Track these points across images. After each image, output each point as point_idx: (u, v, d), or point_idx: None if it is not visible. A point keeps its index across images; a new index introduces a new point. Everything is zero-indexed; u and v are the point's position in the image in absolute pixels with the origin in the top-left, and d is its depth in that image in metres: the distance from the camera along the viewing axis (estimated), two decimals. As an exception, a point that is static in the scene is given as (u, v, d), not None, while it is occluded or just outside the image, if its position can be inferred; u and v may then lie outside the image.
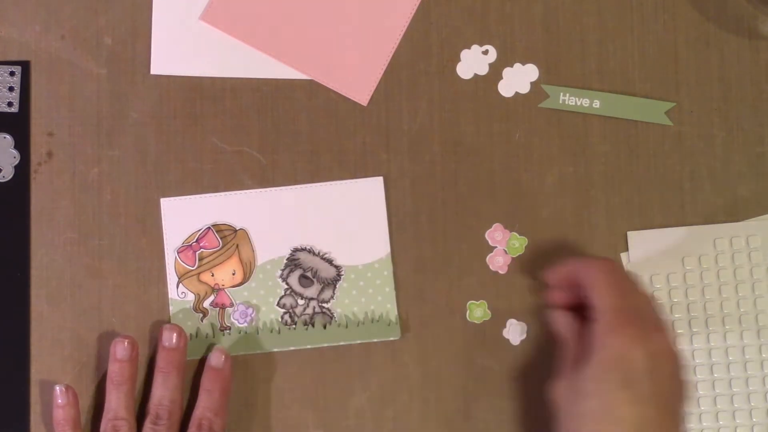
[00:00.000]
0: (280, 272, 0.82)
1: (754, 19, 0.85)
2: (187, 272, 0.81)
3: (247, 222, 0.82)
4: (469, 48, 0.84)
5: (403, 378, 0.82)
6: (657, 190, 0.83)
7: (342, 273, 0.82)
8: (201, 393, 0.78)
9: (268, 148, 0.83)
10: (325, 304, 0.81)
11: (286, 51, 0.83)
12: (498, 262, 0.82)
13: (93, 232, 0.82)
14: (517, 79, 0.83)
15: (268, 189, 0.82)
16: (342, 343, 0.81)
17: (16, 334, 0.80)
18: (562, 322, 0.77)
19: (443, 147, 0.83)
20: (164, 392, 0.77)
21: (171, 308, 0.81)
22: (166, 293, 0.81)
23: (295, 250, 0.82)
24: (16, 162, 0.81)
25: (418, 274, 0.82)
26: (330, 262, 0.82)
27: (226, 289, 0.81)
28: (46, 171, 0.82)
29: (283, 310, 0.81)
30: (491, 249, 0.83)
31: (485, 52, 0.84)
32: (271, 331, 0.81)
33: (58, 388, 0.77)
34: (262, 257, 0.82)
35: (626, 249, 0.83)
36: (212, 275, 0.81)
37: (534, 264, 0.82)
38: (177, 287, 0.81)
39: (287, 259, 0.82)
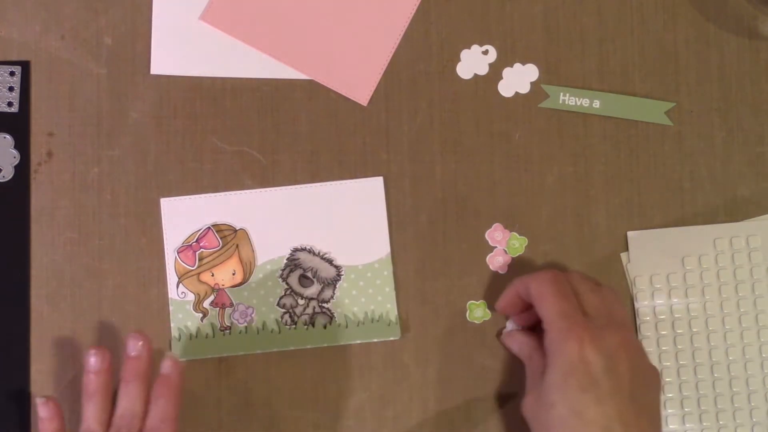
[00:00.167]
0: (280, 272, 0.82)
1: (754, 19, 0.85)
2: (187, 272, 0.81)
3: (247, 222, 0.82)
4: (469, 48, 0.84)
5: (403, 378, 0.82)
6: (657, 190, 0.83)
7: (342, 273, 0.82)
8: (150, 400, 0.76)
9: (268, 148, 0.83)
10: (325, 304, 0.81)
11: (286, 51, 0.83)
12: (498, 262, 0.82)
13: (93, 232, 0.82)
14: (517, 79, 0.83)
15: (268, 189, 0.82)
16: (342, 343, 0.81)
17: (16, 334, 0.80)
18: (518, 341, 0.79)
19: (443, 147, 0.83)
20: (126, 403, 0.75)
21: (171, 308, 0.81)
22: (166, 293, 0.81)
23: (295, 250, 0.82)
24: (16, 162, 0.81)
25: (418, 274, 0.82)
26: (330, 262, 0.82)
27: (226, 289, 0.81)
28: (46, 171, 0.82)
29: (283, 310, 0.81)
30: (491, 249, 0.83)
31: (485, 52, 0.84)
32: (271, 331, 0.81)
33: (39, 401, 0.76)
34: (262, 257, 0.82)
35: (626, 249, 0.83)
36: (212, 275, 0.81)
37: (534, 264, 0.82)
38: (177, 287, 0.81)
39: (287, 259, 0.82)
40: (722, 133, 0.84)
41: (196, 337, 0.81)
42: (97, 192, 0.82)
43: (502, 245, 0.83)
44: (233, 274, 0.81)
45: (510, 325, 0.81)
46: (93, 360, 0.76)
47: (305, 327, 0.81)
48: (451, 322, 0.82)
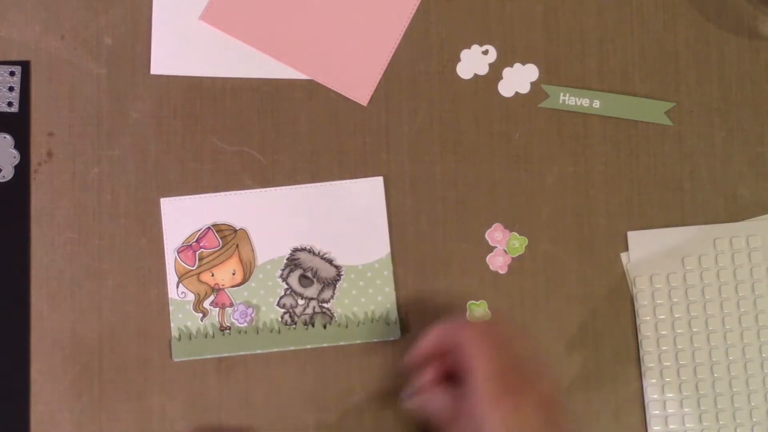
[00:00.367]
0: (280, 272, 0.81)
1: (754, 19, 0.85)
2: (187, 272, 0.81)
3: (247, 222, 0.82)
4: (469, 48, 0.84)
5: (403, 378, 0.81)
6: (657, 190, 0.83)
7: (342, 273, 0.82)
8: None
9: (268, 148, 0.83)
10: (325, 304, 0.81)
11: (286, 51, 0.83)
12: (498, 262, 0.82)
13: (93, 232, 0.82)
14: (517, 79, 0.83)
15: (268, 189, 0.82)
16: (342, 343, 0.81)
17: (16, 334, 0.80)
18: (437, 402, 0.71)
19: (443, 147, 0.83)
20: None
21: (171, 308, 0.81)
22: (166, 293, 0.81)
23: (295, 250, 0.82)
24: (16, 162, 0.81)
25: (418, 274, 0.82)
26: (330, 262, 0.82)
27: (226, 289, 0.81)
28: (46, 171, 0.82)
29: (283, 310, 0.81)
30: (491, 249, 0.83)
31: (485, 52, 0.84)
32: (271, 331, 0.81)
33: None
34: (262, 257, 0.82)
35: (626, 249, 0.83)
36: (212, 275, 0.81)
37: (534, 264, 0.82)
38: (177, 287, 0.81)
39: (287, 259, 0.82)
40: (722, 133, 0.84)
41: (196, 337, 0.81)
42: (97, 192, 0.82)
43: (502, 245, 0.83)
44: (233, 274, 0.81)
45: (412, 390, 0.74)
46: None
47: (305, 327, 0.81)
48: (451, 322, 0.82)
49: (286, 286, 0.81)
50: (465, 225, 0.83)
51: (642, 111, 0.83)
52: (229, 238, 0.81)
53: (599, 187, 0.83)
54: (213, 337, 0.81)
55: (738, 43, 0.84)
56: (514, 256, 0.83)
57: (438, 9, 0.84)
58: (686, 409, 0.81)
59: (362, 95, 0.83)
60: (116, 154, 0.82)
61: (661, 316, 0.82)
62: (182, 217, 0.82)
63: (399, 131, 0.83)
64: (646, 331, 0.82)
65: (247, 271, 0.81)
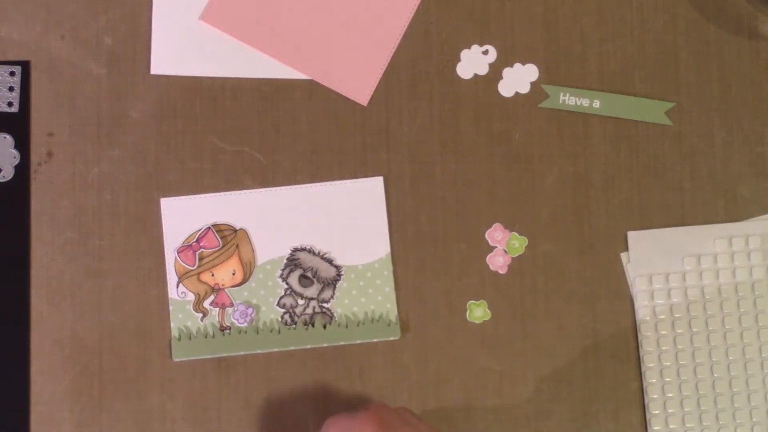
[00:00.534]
0: (280, 272, 0.81)
1: (754, 19, 0.85)
2: (187, 272, 0.81)
3: (247, 222, 0.82)
4: (469, 48, 0.84)
5: (403, 378, 0.82)
6: (657, 190, 0.83)
7: (342, 273, 0.82)
8: None
9: (268, 148, 0.83)
10: (325, 304, 0.81)
11: (286, 51, 0.83)
12: (498, 262, 0.82)
13: (93, 232, 0.82)
14: (517, 79, 0.83)
15: (268, 189, 0.82)
16: (342, 343, 0.81)
17: (16, 334, 0.80)
18: None
19: (443, 147, 0.83)
20: None
21: (171, 308, 0.81)
22: (166, 293, 0.81)
23: (295, 250, 0.82)
24: (16, 162, 0.81)
25: (418, 274, 0.82)
26: (330, 262, 0.82)
27: (226, 289, 0.81)
28: (46, 171, 0.82)
29: (283, 310, 0.81)
30: (491, 249, 0.83)
31: (485, 52, 0.84)
32: (271, 331, 0.81)
33: None
34: (262, 257, 0.82)
35: (626, 249, 0.83)
36: (212, 275, 0.81)
37: (534, 264, 0.82)
38: (177, 287, 0.81)
39: (287, 259, 0.82)
40: (722, 133, 0.84)
41: (196, 337, 0.81)
42: (97, 192, 0.82)
43: (502, 245, 0.83)
44: (233, 274, 0.81)
45: None
46: None
47: (305, 327, 0.81)
48: (451, 322, 0.82)
49: (286, 286, 0.81)
50: (465, 225, 0.83)
51: (642, 111, 0.83)
52: (229, 238, 0.81)
53: (599, 187, 0.83)
54: (213, 337, 0.81)
55: (738, 43, 0.84)
56: (514, 256, 0.83)
57: (438, 9, 0.84)
58: (686, 409, 0.81)
59: (362, 95, 0.83)
60: (116, 154, 0.82)
61: (661, 316, 0.82)
62: (182, 217, 0.82)
63: (399, 131, 0.83)
64: (646, 331, 0.82)
65: (247, 271, 0.81)
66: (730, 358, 0.82)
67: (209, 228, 0.81)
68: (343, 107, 0.83)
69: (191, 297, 0.81)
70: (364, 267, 0.82)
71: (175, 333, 0.81)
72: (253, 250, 0.82)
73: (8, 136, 0.81)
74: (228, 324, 0.81)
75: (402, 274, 0.82)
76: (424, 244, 0.82)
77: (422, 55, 0.83)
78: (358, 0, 0.83)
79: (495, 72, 0.83)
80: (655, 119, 0.83)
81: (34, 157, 0.82)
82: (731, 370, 0.81)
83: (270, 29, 0.83)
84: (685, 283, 0.82)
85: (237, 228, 0.82)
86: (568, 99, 0.83)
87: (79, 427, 0.80)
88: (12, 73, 0.82)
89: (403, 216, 0.82)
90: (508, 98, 0.83)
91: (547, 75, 0.84)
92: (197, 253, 0.81)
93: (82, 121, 0.82)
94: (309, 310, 0.81)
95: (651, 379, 0.81)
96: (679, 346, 0.82)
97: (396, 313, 0.82)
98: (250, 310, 0.81)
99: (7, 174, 0.81)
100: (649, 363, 0.81)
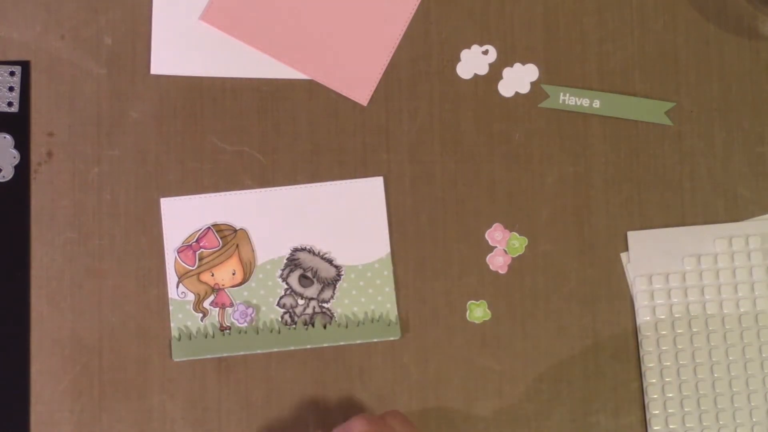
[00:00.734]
0: (280, 272, 0.81)
1: (754, 19, 0.85)
2: (187, 272, 0.81)
3: (247, 222, 0.82)
4: (469, 48, 0.84)
5: (403, 378, 0.82)
6: (657, 190, 0.83)
7: (342, 273, 0.82)
8: None
9: (268, 148, 0.83)
10: (325, 304, 0.81)
11: (286, 51, 0.83)
12: (498, 262, 0.82)
13: (93, 232, 0.82)
14: (517, 79, 0.83)
15: (268, 189, 0.82)
16: (342, 343, 0.81)
17: (16, 334, 0.80)
18: None
19: (443, 147, 0.83)
20: None
21: (171, 308, 0.81)
22: (166, 293, 0.81)
23: (295, 250, 0.82)
24: (16, 162, 0.81)
25: (418, 274, 0.82)
26: (330, 262, 0.82)
27: (226, 289, 0.81)
28: (46, 171, 0.82)
29: (283, 310, 0.81)
30: (491, 249, 0.83)
31: (485, 52, 0.84)
32: (271, 331, 0.81)
33: None
34: (262, 257, 0.82)
35: (626, 249, 0.83)
36: (212, 275, 0.81)
37: (534, 264, 0.82)
38: (177, 287, 0.81)
39: (287, 259, 0.82)
40: (722, 133, 0.84)
41: (196, 337, 0.81)
42: (97, 192, 0.82)
43: (502, 245, 0.83)
44: (233, 274, 0.81)
45: None
46: None
47: (305, 327, 0.81)
48: (451, 322, 0.82)
49: (286, 286, 0.81)
50: (465, 225, 0.83)
51: (642, 111, 0.83)
52: (229, 238, 0.81)
53: (599, 187, 0.83)
54: (213, 337, 0.81)
55: (738, 43, 0.84)
56: (514, 256, 0.83)
57: (438, 9, 0.84)
58: (686, 409, 0.81)
59: (362, 95, 0.83)
60: (116, 154, 0.82)
61: (661, 316, 0.82)
62: (182, 217, 0.82)
63: (399, 131, 0.83)
64: (646, 331, 0.82)
65: (247, 271, 0.81)
66: (730, 358, 0.82)
67: (209, 228, 0.81)
68: (343, 107, 0.83)
69: (191, 297, 0.81)
70: (364, 267, 0.82)
71: (175, 333, 0.81)
72: (253, 250, 0.82)
73: (8, 136, 0.81)
74: (228, 324, 0.81)
75: (402, 274, 0.82)
76: (424, 244, 0.82)
77: (422, 55, 0.83)
78: (358, 0, 0.83)
79: (495, 72, 0.83)
80: (655, 119, 0.83)
81: (34, 157, 0.82)
82: (731, 370, 0.81)
83: (270, 29, 0.83)
84: (685, 283, 0.82)
85: (237, 228, 0.82)
86: (568, 99, 0.83)
87: (79, 427, 0.80)
88: (12, 73, 0.82)
89: (403, 216, 0.82)
90: (508, 98, 0.83)
91: (547, 75, 0.84)
92: (197, 253, 0.81)
93: (82, 121, 0.82)
94: (309, 310, 0.81)
95: (651, 379, 0.81)
96: (679, 346, 0.82)
97: (396, 313, 0.82)
98: (250, 310, 0.81)
99: (7, 174, 0.81)
100: (649, 363, 0.81)
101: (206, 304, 0.81)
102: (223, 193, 0.82)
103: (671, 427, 0.81)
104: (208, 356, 0.81)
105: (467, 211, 0.83)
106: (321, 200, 0.82)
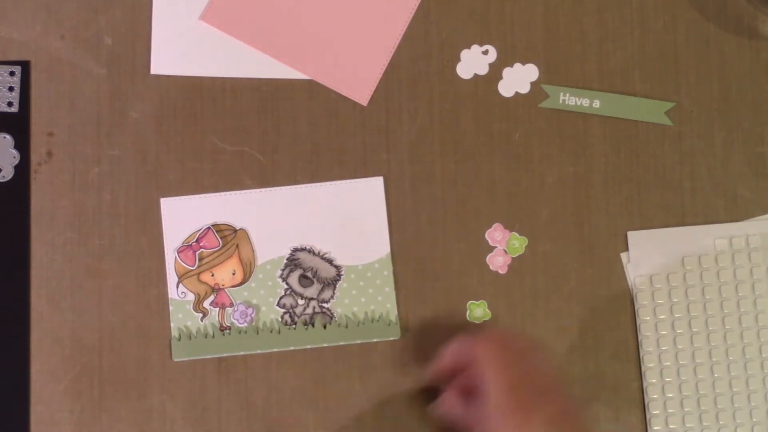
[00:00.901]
0: (280, 272, 0.82)
1: (754, 19, 0.85)
2: (187, 272, 0.81)
3: (247, 222, 0.82)
4: (469, 48, 0.84)
5: (403, 378, 0.82)
6: (657, 190, 0.83)
7: (342, 273, 0.82)
8: None
9: (268, 148, 0.83)
10: (325, 304, 0.81)
11: (286, 51, 0.83)
12: (498, 262, 0.82)
13: (93, 232, 0.82)
14: (517, 79, 0.83)
15: (268, 189, 0.82)
16: (342, 343, 0.81)
17: (16, 334, 0.80)
18: (456, 414, 0.74)
19: (443, 147, 0.83)
20: None
21: (171, 308, 0.81)
22: (166, 293, 0.81)
23: (295, 250, 0.82)
24: (16, 162, 0.81)
25: (418, 274, 0.82)
26: (330, 262, 0.82)
27: (226, 289, 0.81)
28: (46, 171, 0.82)
29: (283, 310, 0.81)
30: (491, 249, 0.83)
31: (485, 52, 0.84)
32: (271, 331, 0.81)
33: None
34: (262, 257, 0.82)
35: (626, 249, 0.83)
36: (212, 275, 0.81)
37: (534, 264, 0.82)
38: (177, 287, 0.81)
39: (287, 259, 0.82)
40: (722, 133, 0.84)
41: (196, 337, 0.81)
42: (97, 192, 0.82)
43: (502, 245, 0.83)
44: (233, 274, 0.81)
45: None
46: None
47: (305, 327, 0.81)
48: (451, 322, 0.82)
49: (286, 286, 0.82)
50: (465, 225, 0.83)
51: (642, 111, 0.83)
52: (229, 238, 0.81)
53: (599, 187, 0.83)
54: (213, 337, 0.81)
55: (738, 43, 0.84)
56: (514, 256, 0.83)
57: (438, 9, 0.84)
58: (686, 409, 0.81)
59: (362, 95, 0.83)
60: (116, 154, 0.82)
61: (661, 316, 0.82)
62: (182, 217, 0.82)
63: (399, 131, 0.83)
64: (646, 331, 0.82)
65: (247, 271, 0.81)
66: (730, 358, 0.82)
67: (209, 228, 0.81)
68: (343, 107, 0.83)
69: (191, 297, 0.81)
70: (364, 267, 0.82)
71: (175, 333, 0.81)
72: (253, 250, 0.82)
73: (8, 136, 0.81)
74: (228, 324, 0.81)
75: (402, 274, 0.82)
76: (424, 244, 0.82)
77: (422, 55, 0.83)
78: (358, 0, 0.83)
79: (495, 72, 0.84)
80: (655, 119, 0.83)
81: (34, 157, 0.82)
82: (731, 370, 0.81)
83: (270, 29, 0.83)
84: (685, 283, 0.82)
85: (237, 228, 0.82)
86: (568, 99, 0.83)
87: (79, 427, 0.80)
88: (12, 73, 0.82)
89: (403, 216, 0.82)
90: (508, 98, 0.83)
91: (547, 75, 0.84)
92: (197, 253, 0.81)
93: (82, 121, 0.82)
94: (309, 310, 0.81)
95: (651, 379, 0.81)
96: (679, 346, 0.82)
97: (396, 313, 0.82)
98: (250, 310, 0.81)
99: (7, 174, 0.81)
100: (649, 363, 0.81)
101: (206, 304, 0.81)
102: (223, 193, 0.82)
103: (671, 427, 0.81)
104: (208, 356, 0.81)
105: (467, 211, 0.83)
106: (321, 200, 0.82)
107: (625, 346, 0.82)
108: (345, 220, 0.82)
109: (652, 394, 0.81)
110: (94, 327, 0.81)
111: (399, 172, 0.83)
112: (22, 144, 0.81)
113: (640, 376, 0.82)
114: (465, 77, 0.83)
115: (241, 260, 0.81)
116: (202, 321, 0.81)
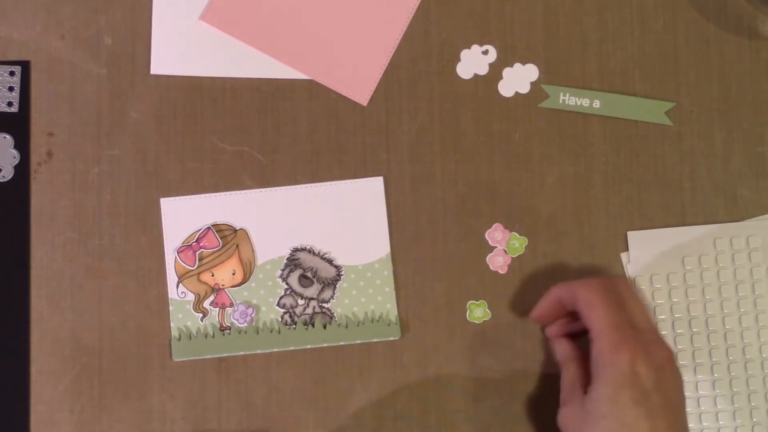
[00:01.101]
0: (280, 272, 0.82)
1: (754, 19, 0.85)
2: (187, 272, 0.81)
3: (247, 222, 0.82)
4: (469, 48, 0.84)
5: (403, 378, 0.82)
6: (657, 190, 0.83)
7: (342, 273, 0.82)
8: None
9: (268, 148, 0.83)
10: (325, 304, 0.81)
11: (286, 51, 0.83)
12: (498, 262, 0.82)
13: (93, 232, 0.82)
14: (517, 79, 0.83)
15: (268, 189, 0.82)
16: (342, 343, 0.81)
17: (16, 334, 0.80)
18: (561, 349, 0.77)
19: (443, 147, 0.83)
20: None
21: (171, 308, 0.81)
22: (166, 293, 0.81)
23: (295, 250, 0.82)
24: (16, 162, 0.81)
25: (418, 274, 0.82)
26: (330, 262, 0.82)
27: (226, 289, 0.81)
28: (46, 171, 0.82)
29: (283, 310, 0.81)
30: (491, 249, 0.83)
31: (485, 52, 0.84)
32: (271, 331, 0.81)
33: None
34: (262, 257, 0.82)
35: (626, 249, 0.83)
36: (212, 275, 0.81)
37: (534, 264, 0.82)
38: (177, 287, 0.81)
39: (287, 259, 0.82)
40: (722, 133, 0.84)
41: (196, 337, 0.81)
42: (97, 192, 0.82)
43: (502, 245, 0.83)
44: (233, 274, 0.81)
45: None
46: None
47: (305, 327, 0.81)
48: (451, 322, 0.82)
49: (286, 286, 0.82)
50: (465, 225, 0.83)
51: (642, 111, 0.83)
52: (229, 238, 0.81)
53: (599, 187, 0.83)
54: (213, 337, 0.81)
55: (738, 43, 0.84)
56: (514, 256, 0.83)
57: (438, 9, 0.84)
58: (686, 409, 0.81)
59: (362, 95, 0.83)
60: (116, 154, 0.82)
61: (661, 316, 0.82)
62: (182, 217, 0.82)
63: (399, 131, 0.83)
64: (646, 331, 0.82)
65: (247, 271, 0.81)
66: (730, 358, 0.82)
67: (209, 228, 0.81)
68: (343, 107, 0.83)
69: (191, 297, 0.81)
70: (364, 267, 0.82)
71: (175, 333, 0.81)
72: (253, 250, 0.82)
73: (8, 136, 0.81)
74: (228, 324, 0.81)
75: (402, 274, 0.82)
76: (424, 244, 0.82)
77: (422, 55, 0.83)
78: (358, 0, 0.83)
79: (495, 72, 0.84)
80: (655, 119, 0.83)
81: (34, 157, 0.82)
82: (731, 371, 0.81)
83: (270, 29, 0.83)
84: (685, 283, 0.82)
85: (237, 228, 0.82)
86: (568, 99, 0.83)
87: (79, 427, 0.80)
88: (12, 73, 0.82)
89: (403, 216, 0.82)
90: (508, 98, 0.83)
91: (547, 75, 0.84)
92: (197, 253, 0.81)
93: (82, 121, 0.82)
94: (309, 310, 0.81)
95: (651, 379, 0.81)
96: (679, 346, 0.82)
97: (396, 313, 0.82)
98: (250, 310, 0.81)
99: (7, 174, 0.81)
100: (649, 363, 0.81)
101: (206, 304, 0.81)
102: (223, 193, 0.82)
103: (671, 427, 0.81)
104: (208, 356, 0.81)
105: (467, 211, 0.83)
106: (321, 200, 0.82)
107: (625, 346, 0.82)
108: (345, 220, 0.82)
109: (652, 394, 0.81)
110: (94, 327, 0.81)
111: (399, 172, 0.83)
112: (22, 144, 0.81)
113: (640, 376, 0.82)
114: (465, 77, 0.83)
115: (241, 260, 0.81)
116: (202, 321, 0.81)
